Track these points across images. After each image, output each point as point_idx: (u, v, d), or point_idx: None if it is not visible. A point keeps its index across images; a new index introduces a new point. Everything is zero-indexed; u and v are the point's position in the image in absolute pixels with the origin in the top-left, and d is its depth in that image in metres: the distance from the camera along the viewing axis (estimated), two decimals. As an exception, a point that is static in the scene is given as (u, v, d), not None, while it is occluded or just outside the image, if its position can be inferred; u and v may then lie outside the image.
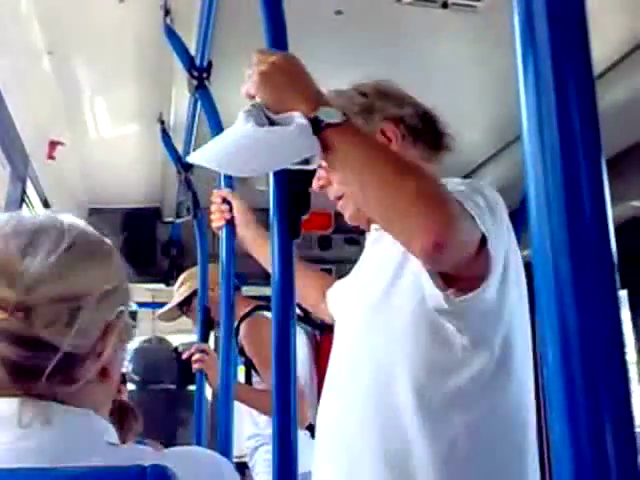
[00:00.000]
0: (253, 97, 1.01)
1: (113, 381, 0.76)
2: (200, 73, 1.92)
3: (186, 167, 2.54)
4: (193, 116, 2.34)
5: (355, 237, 3.58)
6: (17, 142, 2.49)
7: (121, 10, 1.97)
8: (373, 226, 1.34)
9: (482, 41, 2.13)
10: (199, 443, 2.46)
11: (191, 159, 1.03)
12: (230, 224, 1.72)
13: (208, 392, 2.68)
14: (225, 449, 1.71)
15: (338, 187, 1.31)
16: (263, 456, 2.56)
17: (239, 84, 1.03)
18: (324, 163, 1.00)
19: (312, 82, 1.01)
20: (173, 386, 3.89)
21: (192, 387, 3.16)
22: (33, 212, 0.84)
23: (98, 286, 0.72)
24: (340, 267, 3.31)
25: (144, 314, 3.96)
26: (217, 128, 1.85)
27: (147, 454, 0.70)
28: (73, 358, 0.68)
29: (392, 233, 1.02)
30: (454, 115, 1.35)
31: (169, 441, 3.13)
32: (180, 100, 2.42)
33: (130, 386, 3.71)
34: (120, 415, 0.81)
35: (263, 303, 2.51)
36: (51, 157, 2.69)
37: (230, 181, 1.77)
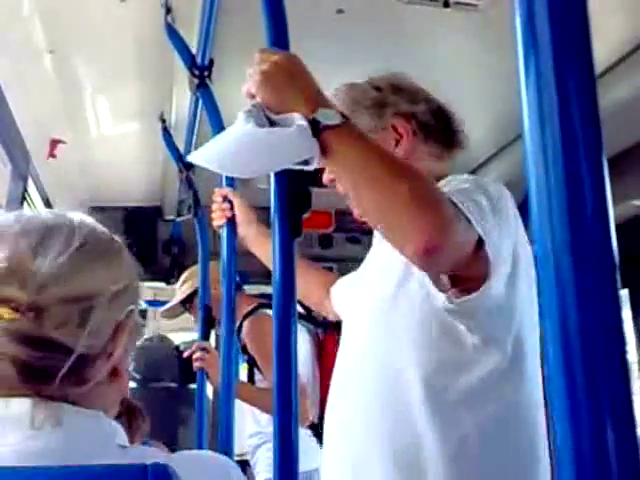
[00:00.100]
0: (254, 96, 1.01)
1: (123, 380, 0.76)
2: (201, 71, 1.92)
3: (187, 165, 2.54)
4: (194, 115, 2.34)
5: (356, 236, 3.58)
6: (18, 140, 2.49)
7: (122, 8, 1.97)
8: None
9: (484, 40, 2.13)
10: (200, 441, 2.46)
11: (191, 159, 1.03)
12: (231, 222, 1.72)
13: (209, 390, 2.68)
14: (226, 447, 1.71)
15: None
16: (265, 454, 2.56)
17: (240, 83, 1.03)
18: (323, 164, 1.00)
19: (313, 82, 1.01)
20: (174, 384, 3.89)
21: (193, 385, 3.16)
22: (35, 210, 0.84)
23: (109, 286, 0.71)
24: (341, 266, 3.30)
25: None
26: (218, 127, 1.85)
27: (157, 456, 0.70)
28: (84, 359, 0.68)
29: (385, 236, 1.02)
30: (456, 113, 1.35)
31: (170, 439, 3.14)
32: (181, 98, 2.41)
33: (131, 384, 3.71)
34: (129, 415, 0.81)
35: (266, 301, 2.51)
36: (52, 155, 2.69)
37: (231, 180, 1.77)
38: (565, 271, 0.47)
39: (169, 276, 3.59)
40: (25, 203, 2.72)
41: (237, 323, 2.34)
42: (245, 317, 2.51)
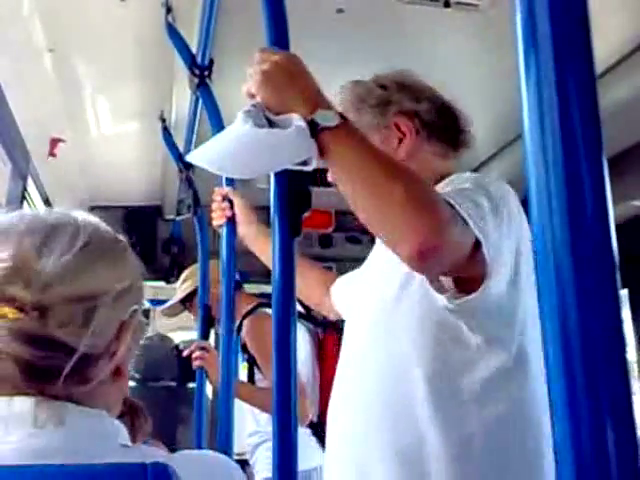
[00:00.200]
0: (254, 96, 1.01)
1: (126, 379, 0.75)
2: (201, 71, 1.92)
3: (187, 165, 2.54)
4: (194, 114, 2.34)
5: (356, 236, 3.58)
6: (18, 139, 2.49)
7: (122, 8, 1.97)
8: None
9: (484, 40, 2.13)
10: (199, 440, 2.46)
11: (190, 159, 1.03)
12: (231, 222, 1.72)
13: (208, 389, 2.68)
14: (225, 446, 1.71)
15: None
16: (264, 453, 2.56)
17: (240, 82, 1.03)
18: (322, 164, 1.00)
19: (313, 83, 1.01)
20: (173, 383, 3.90)
21: (192, 384, 3.16)
22: (39, 209, 0.83)
23: (114, 285, 0.71)
24: (341, 265, 3.30)
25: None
26: (218, 126, 1.85)
27: (158, 456, 0.69)
28: (88, 358, 0.67)
29: (380, 237, 1.01)
30: (463, 112, 1.35)
31: (169, 438, 3.14)
32: (181, 98, 2.41)
33: (130, 383, 3.71)
34: (131, 415, 0.81)
35: (265, 301, 2.52)
36: (52, 154, 2.70)
37: (231, 179, 1.77)
38: (565, 271, 0.47)
39: (169, 275, 3.59)
40: (25, 202, 2.72)
41: (237, 322, 2.34)
42: (245, 316, 2.51)
